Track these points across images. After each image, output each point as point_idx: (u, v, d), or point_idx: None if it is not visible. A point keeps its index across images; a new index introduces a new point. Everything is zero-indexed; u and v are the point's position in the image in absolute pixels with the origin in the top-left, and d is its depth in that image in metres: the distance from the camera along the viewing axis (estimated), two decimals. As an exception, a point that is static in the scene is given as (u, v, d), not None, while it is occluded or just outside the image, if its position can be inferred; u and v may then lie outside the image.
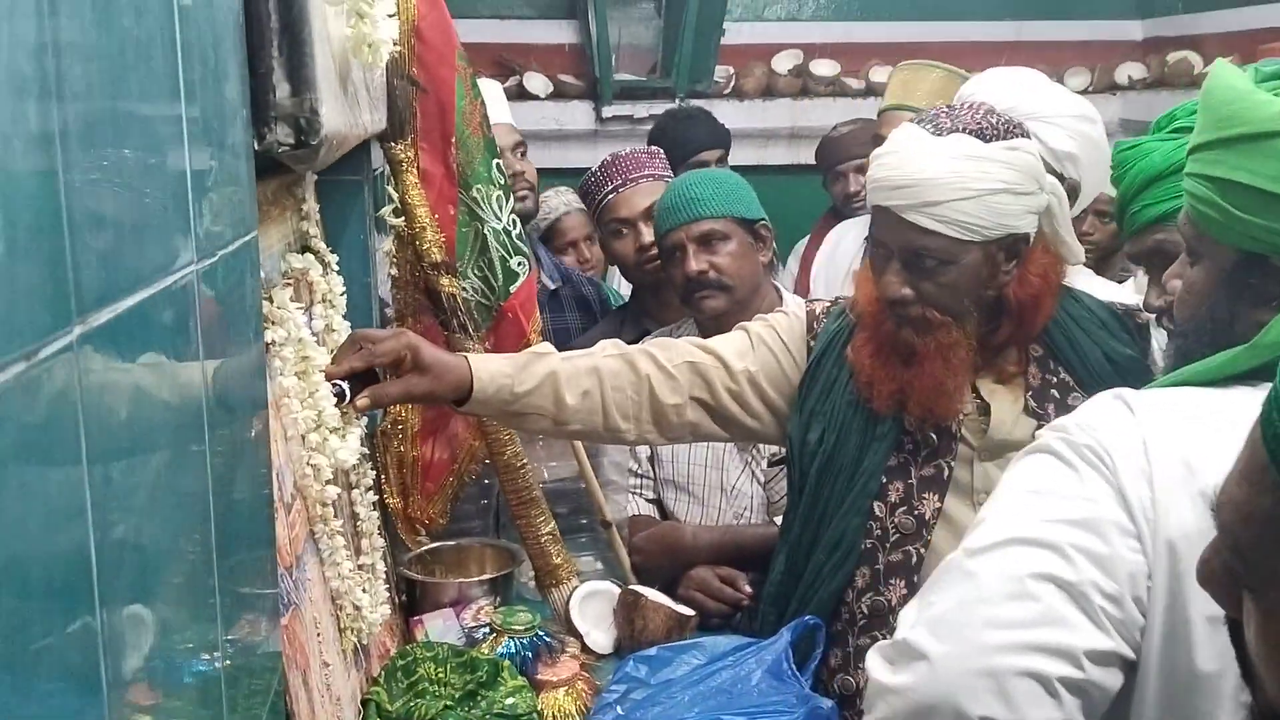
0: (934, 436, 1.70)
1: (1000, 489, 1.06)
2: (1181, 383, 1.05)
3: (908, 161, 1.59)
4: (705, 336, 2.24)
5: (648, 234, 2.44)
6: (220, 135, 0.94)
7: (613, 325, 2.62)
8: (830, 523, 1.73)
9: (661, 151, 2.69)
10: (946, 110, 1.66)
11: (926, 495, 1.70)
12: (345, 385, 1.57)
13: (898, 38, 4.50)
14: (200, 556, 0.84)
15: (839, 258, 2.66)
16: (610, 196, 2.54)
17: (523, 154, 2.87)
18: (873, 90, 4.41)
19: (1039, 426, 1.72)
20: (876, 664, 1.05)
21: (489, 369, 1.71)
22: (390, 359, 1.64)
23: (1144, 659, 0.96)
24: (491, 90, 2.73)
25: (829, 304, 1.88)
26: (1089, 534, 0.96)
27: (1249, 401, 0.75)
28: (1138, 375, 1.60)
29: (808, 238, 3.68)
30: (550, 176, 4.25)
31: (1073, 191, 2.13)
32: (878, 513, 1.70)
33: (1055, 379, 1.70)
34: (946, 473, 1.69)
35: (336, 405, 1.52)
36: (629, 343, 2.45)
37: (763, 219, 2.24)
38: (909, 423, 1.70)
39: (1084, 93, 4.55)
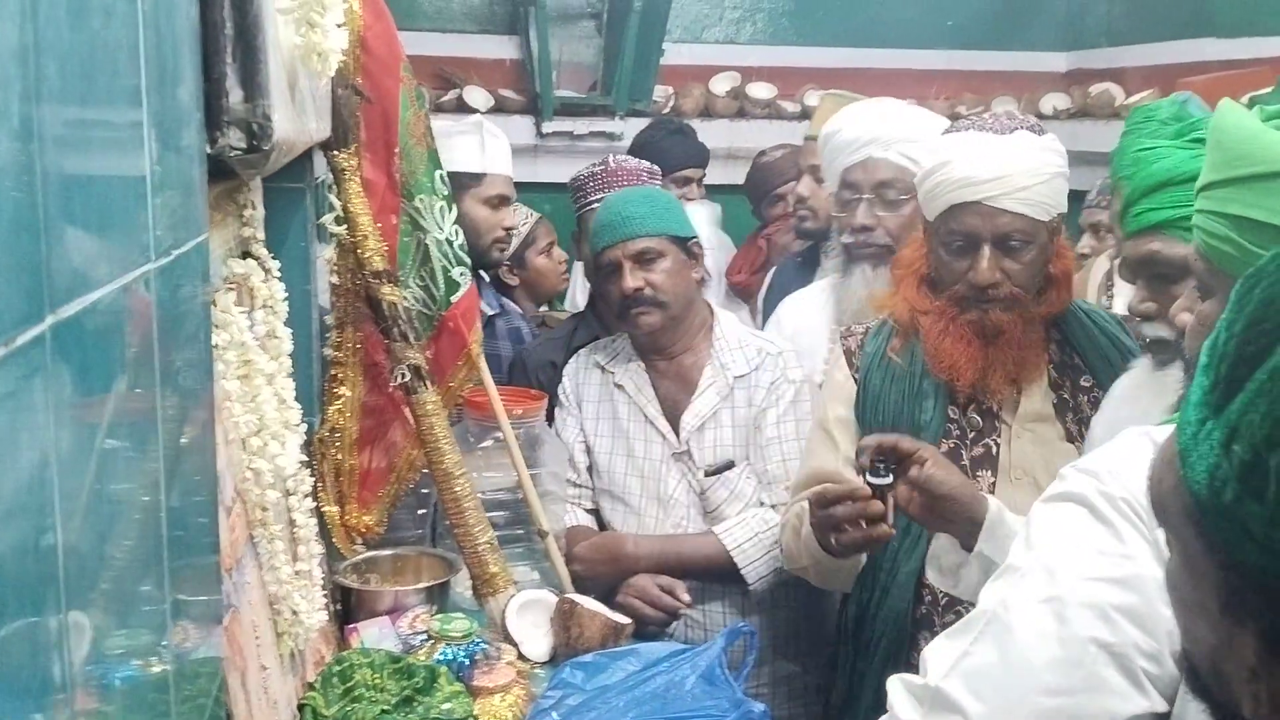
0: (978, 418, 1.85)
1: (1034, 534, 1.05)
2: None
3: (990, 157, 1.78)
4: (640, 351, 2.30)
5: None
6: (175, 138, 0.96)
7: (568, 328, 2.67)
8: (897, 509, 1.69)
9: (659, 170, 2.71)
10: (992, 115, 1.92)
11: (980, 473, 1.82)
12: (891, 473, 1.60)
13: (832, 63, 4.60)
14: (151, 554, 0.86)
15: (813, 319, 2.59)
16: (597, 204, 2.53)
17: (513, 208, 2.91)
18: (807, 114, 4.49)
19: (1058, 400, 1.85)
20: (904, 702, 1.06)
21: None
22: (911, 450, 1.61)
23: (1177, 712, 0.97)
24: (498, 143, 2.75)
25: (863, 331, 2.01)
26: (1128, 592, 0.97)
27: None
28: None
29: (733, 254, 3.75)
30: (489, 190, 4.26)
31: None
32: None
33: (1070, 360, 1.88)
34: (995, 449, 1.83)
35: (876, 486, 1.59)
36: (578, 347, 2.49)
37: (694, 237, 2.29)
38: (953, 411, 1.85)
39: (1011, 121, 4.70)
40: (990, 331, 1.82)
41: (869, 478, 1.60)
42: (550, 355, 2.56)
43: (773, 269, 3.26)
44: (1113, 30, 4.58)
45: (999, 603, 1.05)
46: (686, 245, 2.27)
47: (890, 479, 1.59)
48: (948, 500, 1.58)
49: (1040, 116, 4.69)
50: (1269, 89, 3.53)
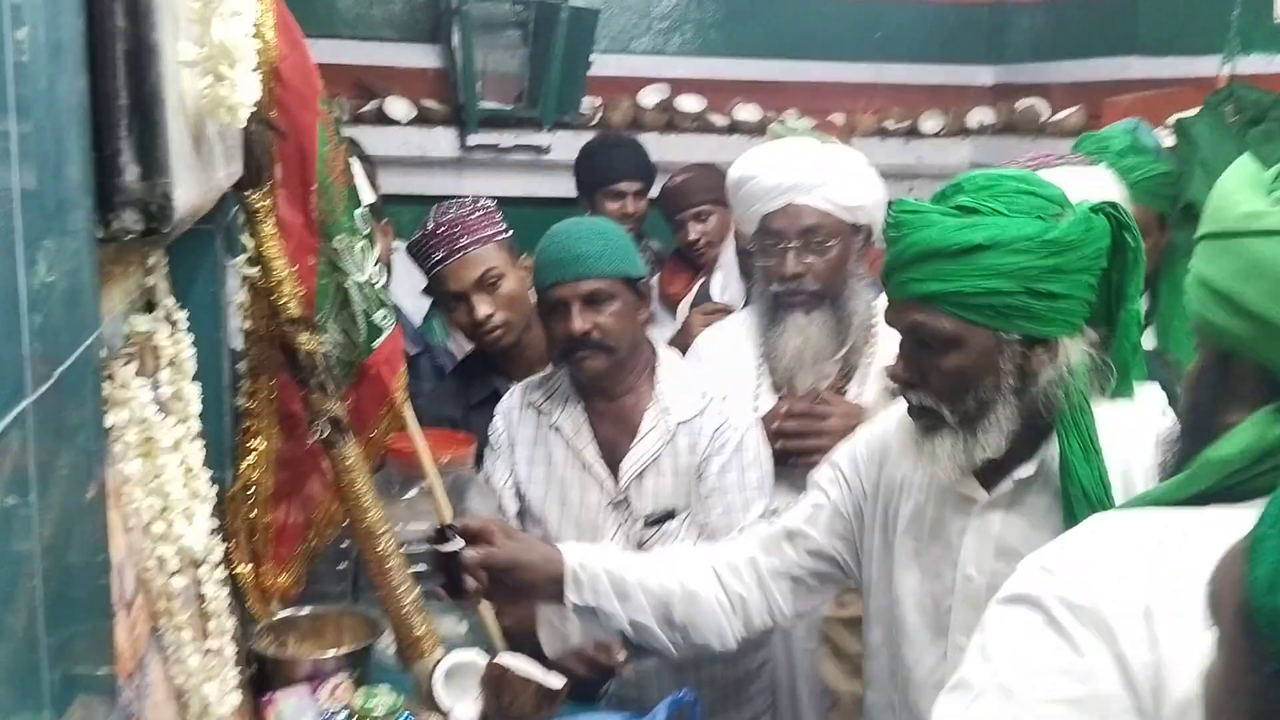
0: None
1: (990, 642, 0.99)
2: (1153, 502, 1.01)
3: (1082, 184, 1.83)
4: (581, 393, 2.21)
5: (481, 307, 2.38)
6: (59, 226, 0.85)
7: (459, 384, 2.53)
8: None
9: (493, 206, 2.49)
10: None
11: None
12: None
13: (762, 75, 4.55)
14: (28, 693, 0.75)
15: (735, 352, 2.52)
16: (438, 269, 2.42)
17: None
18: (736, 127, 4.44)
19: None
20: None
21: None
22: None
23: None
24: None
25: None
26: (1086, 714, 0.91)
27: (1225, 526, 0.73)
28: None
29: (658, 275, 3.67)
30: (413, 204, 4.13)
31: (869, 234, 2.25)
32: None
33: None
34: None
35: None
36: (476, 404, 2.39)
37: (643, 277, 2.21)
38: None
39: (937, 135, 4.70)
40: None
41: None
42: (448, 411, 2.42)
43: (699, 282, 3.21)
44: (1038, 45, 4.59)
45: (958, 706, 0.99)
46: (636, 286, 2.18)
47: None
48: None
49: (966, 132, 4.72)
50: (1194, 110, 3.56)
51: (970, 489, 1.57)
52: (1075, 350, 1.47)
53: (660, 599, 1.75)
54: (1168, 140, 3.48)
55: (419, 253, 2.44)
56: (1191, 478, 0.99)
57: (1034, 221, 1.43)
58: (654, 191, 3.67)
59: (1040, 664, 0.95)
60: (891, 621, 1.66)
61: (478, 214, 2.43)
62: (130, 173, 0.96)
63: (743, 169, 2.36)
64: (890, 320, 1.57)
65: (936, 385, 1.50)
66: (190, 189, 1.13)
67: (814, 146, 2.49)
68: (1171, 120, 3.51)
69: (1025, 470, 1.53)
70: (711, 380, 2.27)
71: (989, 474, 1.55)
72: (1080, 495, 1.46)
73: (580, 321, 2.10)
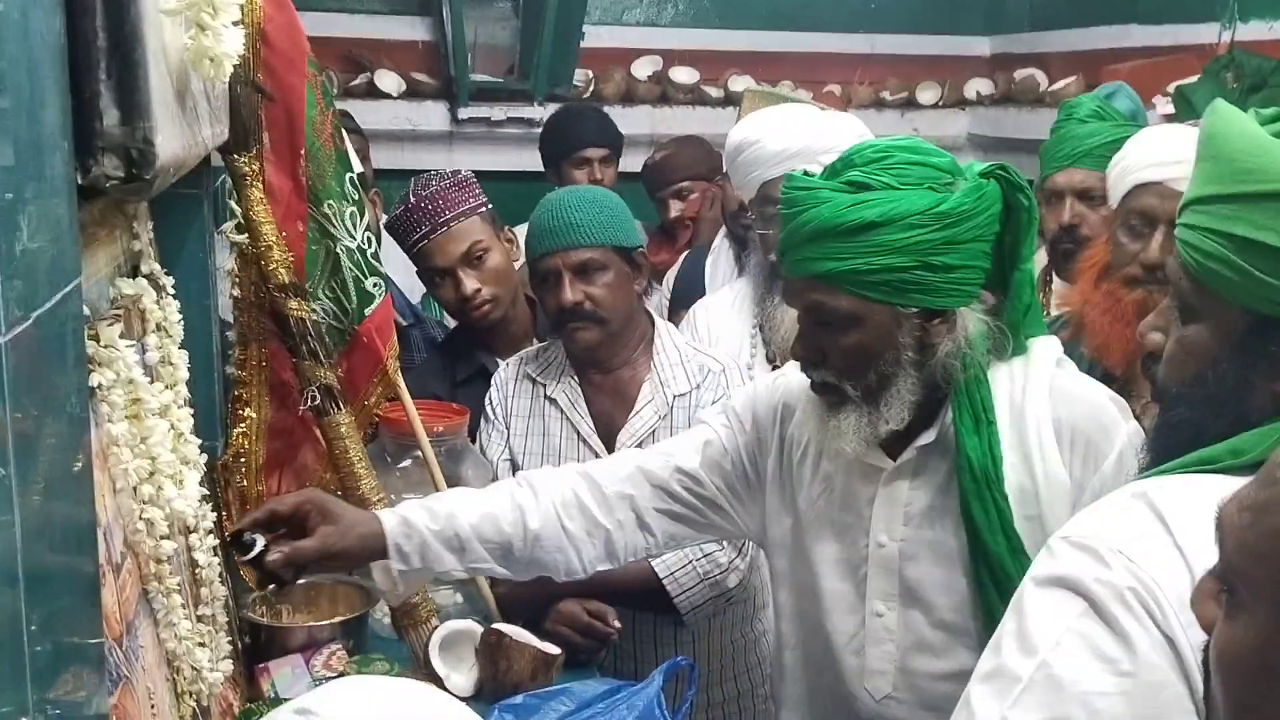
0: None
1: (1031, 629, 0.94)
2: (1195, 464, 0.97)
3: (1172, 143, 1.90)
4: (577, 365, 2.18)
5: (469, 282, 2.27)
6: (36, 171, 0.82)
7: (444, 361, 2.47)
8: None
9: (473, 178, 2.38)
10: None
11: None
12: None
13: (756, 46, 4.51)
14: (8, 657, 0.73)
15: (729, 323, 2.47)
16: (421, 244, 2.31)
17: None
18: (731, 99, 4.40)
19: None
20: None
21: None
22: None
23: None
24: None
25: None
26: (1140, 706, 0.87)
27: None
28: None
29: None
30: (404, 179, 4.09)
31: None
32: None
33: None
34: None
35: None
36: (462, 380, 2.35)
37: (640, 246, 2.17)
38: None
39: (935, 107, 4.66)
40: (1141, 313, 1.76)
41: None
42: (432, 388, 2.34)
43: (684, 255, 3.17)
44: (1036, 15, 4.55)
45: (997, 703, 0.93)
46: (630, 255, 2.14)
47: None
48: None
49: (964, 102, 4.68)
50: (1193, 77, 3.53)
51: (876, 458, 1.57)
52: (973, 320, 1.47)
53: (500, 545, 1.69)
54: (1167, 108, 3.47)
55: (400, 229, 2.34)
56: (1254, 441, 0.94)
57: (926, 194, 1.42)
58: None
59: (1086, 655, 0.90)
60: (805, 587, 1.66)
61: (459, 187, 2.33)
62: (110, 116, 0.93)
63: (743, 135, 2.32)
64: (788, 299, 1.56)
65: (838, 363, 1.50)
66: (173, 139, 1.10)
67: (814, 113, 2.45)
68: (1171, 88, 3.49)
69: (927, 437, 1.53)
70: (712, 354, 2.25)
71: (893, 442, 1.55)
72: (966, 466, 1.48)
73: (571, 292, 2.06)
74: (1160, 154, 1.94)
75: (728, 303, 2.45)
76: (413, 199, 2.31)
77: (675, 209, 3.39)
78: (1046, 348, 1.58)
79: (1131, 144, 2.04)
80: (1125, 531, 0.92)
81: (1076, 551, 0.93)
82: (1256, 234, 1.05)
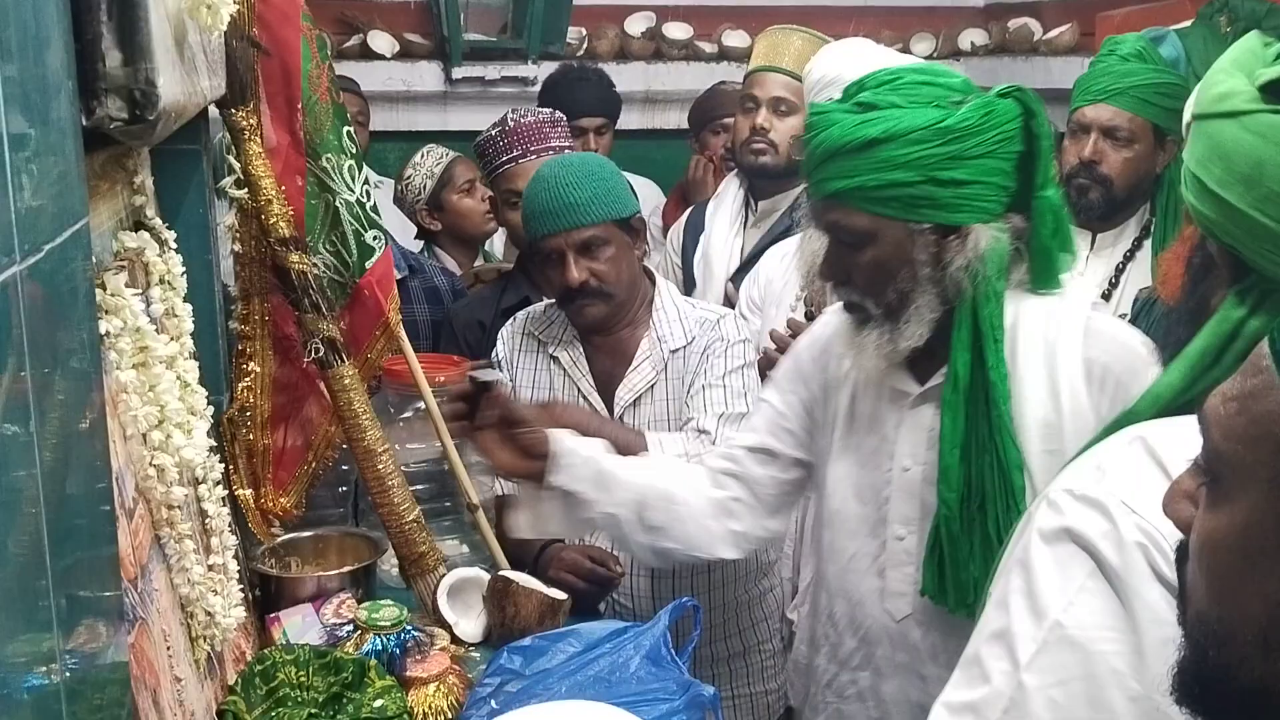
0: None
1: (1040, 588, 0.95)
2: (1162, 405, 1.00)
3: None
4: (583, 338, 2.18)
5: None
6: (41, 112, 0.83)
7: (497, 288, 2.56)
8: None
9: (564, 119, 2.62)
10: None
11: None
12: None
13: (749, 1, 4.48)
14: (33, 581, 0.75)
15: (784, 271, 2.47)
16: (508, 165, 2.49)
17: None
18: (725, 54, 4.39)
19: None
20: None
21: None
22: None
23: None
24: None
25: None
26: (1155, 661, 0.88)
27: None
28: None
29: (664, 203, 3.64)
30: (398, 140, 4.10)
31: None
32: None
33: None
34: None
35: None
36: (508, 311, 2.38)
37: (636, 212, 2.17)
38: None
39: (929, 58, 4.64)
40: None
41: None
42: (478, 315, 2.46)
43: (688, 211, 3.16)
44: (1029, -36, 4.53)
45: (1016, 686, 0.95)
46: (629, 224, 2.13)
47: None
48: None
49: (959, 53, 4.66)
50: (1187, 22, 3.52)
51: (903, 383, 1.60)
52: (986, 236, 1.48)
53: (638, 498, 1.73)
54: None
55: (489, 149, 2.53)
56: (1169, 379, 0.98)
57: (930, 111, 1.44)
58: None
59: (1098, 615, 0.92)
60: (827, 511, 1.69)
61: (553, 124, 2.55)
62: (112, 58, 0.94)
63: (824, 69, 2.27)
64: (814, 222, 1.59)
65: (859, 280, 1.54)
66: (174, 84, 1.11)
67: (880, 48, 2.40)
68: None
69: None
70: (709, 306, 2.26)
71: (922, 368, 1.58)
72: (950, 378, 1.50)
73: (577, 271, 2.06)
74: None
75: (786, 253, 2.42)
76: (510, 123, 2.51)
77: (720, 143, 3.37)
78: (1083, 289, 1.60)
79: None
80: (1126, 480, 0.93)
81: (1082, 506, 0.94)
82: (1185, 153, 1.10)
